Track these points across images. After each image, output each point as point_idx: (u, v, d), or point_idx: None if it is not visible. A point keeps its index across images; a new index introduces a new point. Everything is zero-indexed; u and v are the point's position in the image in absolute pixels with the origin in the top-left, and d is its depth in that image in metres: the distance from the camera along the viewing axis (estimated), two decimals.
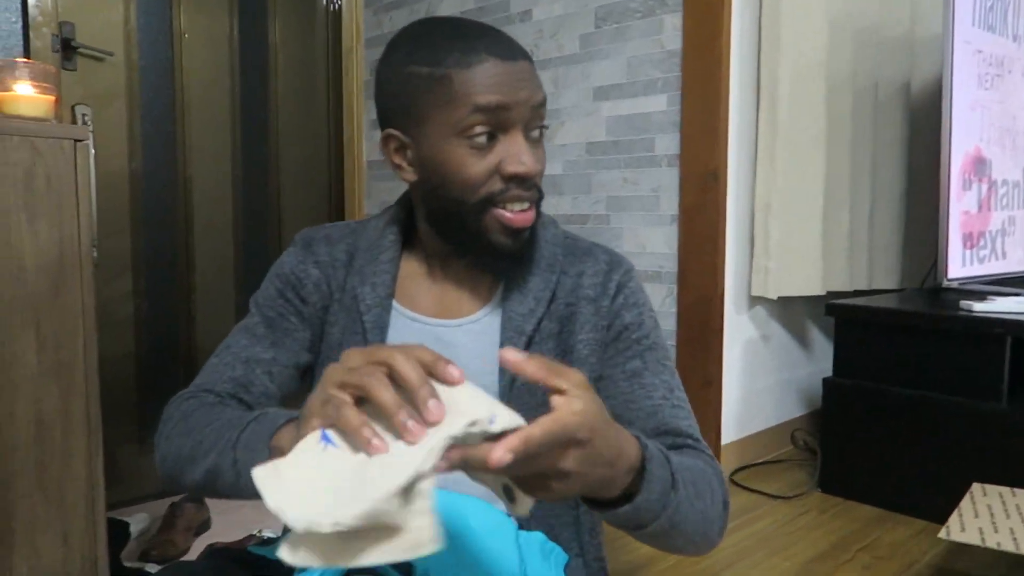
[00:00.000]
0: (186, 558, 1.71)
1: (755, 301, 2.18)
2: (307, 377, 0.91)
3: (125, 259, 2.14)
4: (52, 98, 1.28)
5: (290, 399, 0.88)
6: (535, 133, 0.79)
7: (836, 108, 2.22)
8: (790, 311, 2.34)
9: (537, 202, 0.81)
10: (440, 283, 0.86)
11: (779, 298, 2.17)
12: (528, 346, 0.83)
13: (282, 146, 2.52)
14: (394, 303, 0.86)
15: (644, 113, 2.09)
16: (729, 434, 2.10)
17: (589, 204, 2.22)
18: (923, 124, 2.51)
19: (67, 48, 2.00)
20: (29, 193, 1.23)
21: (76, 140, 1.28)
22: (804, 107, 2.10)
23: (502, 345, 0.82)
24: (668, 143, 2.05)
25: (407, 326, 0.85)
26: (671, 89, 2.03)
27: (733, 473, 2.10)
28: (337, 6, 2.66)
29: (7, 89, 1.23)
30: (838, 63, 2.21)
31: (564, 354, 0.84)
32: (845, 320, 2.02)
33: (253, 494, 0.63)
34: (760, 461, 2.22)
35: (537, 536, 0.81)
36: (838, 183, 2.26)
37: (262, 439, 0.67)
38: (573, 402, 0.51)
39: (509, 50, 0.76)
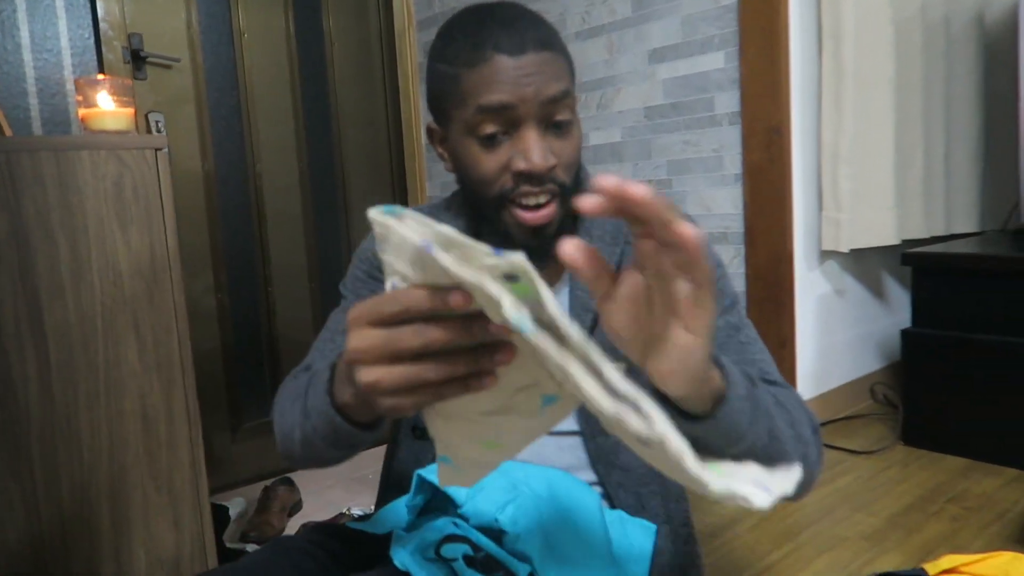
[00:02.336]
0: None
1: (827, 256, 2.14)
2: None
3: (205, 256, 2.25)
4: (131, 110, 1.36)
5: None
6: (558, 124, 0.77)
7: (905, 47, 2.14)
8: (864, 263, 2.29)
9: (560, 196, 0.79)
10: None
11: (852, 251, 2.12)
12: (596, 322, 0.84)
13: (344, 133, 2.58)
14: None
15: (702, 72, 2.05)
16: (806, 391, 2.08)
17: (650, 169, 2.20)
18: (1000, 57, 2.39)
19: (136, 58, 2.09)
20: (119, 203, 1.31)
21: (156, 149, 1.35)
22: (871, 49, 2.03)
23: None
24: (728, 101, 2.01)
25: None
26: (728, 45, 1.99)
27: None
28: None
29: (92, 105, 1.31)
30: None
31: None
32: (922, 268, 1.97)
33: (346, 446, 0.67)
34: (839, 417, 2.19)
35: (618, 513, 0.84)
36: (910, 126, 2.18)
37: (320, 395, 0.65)
38: None
39: (518, 44, 0.74)
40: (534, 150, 0.74)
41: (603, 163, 2.32)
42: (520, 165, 0.75)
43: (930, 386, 1.93)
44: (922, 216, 2.24)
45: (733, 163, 2.03)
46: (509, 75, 0.73)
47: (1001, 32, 2.39)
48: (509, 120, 0.75)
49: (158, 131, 2.14)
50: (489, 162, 0.77)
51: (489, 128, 0.75)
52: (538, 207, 0.77)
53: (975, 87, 2.40)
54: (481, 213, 0.83)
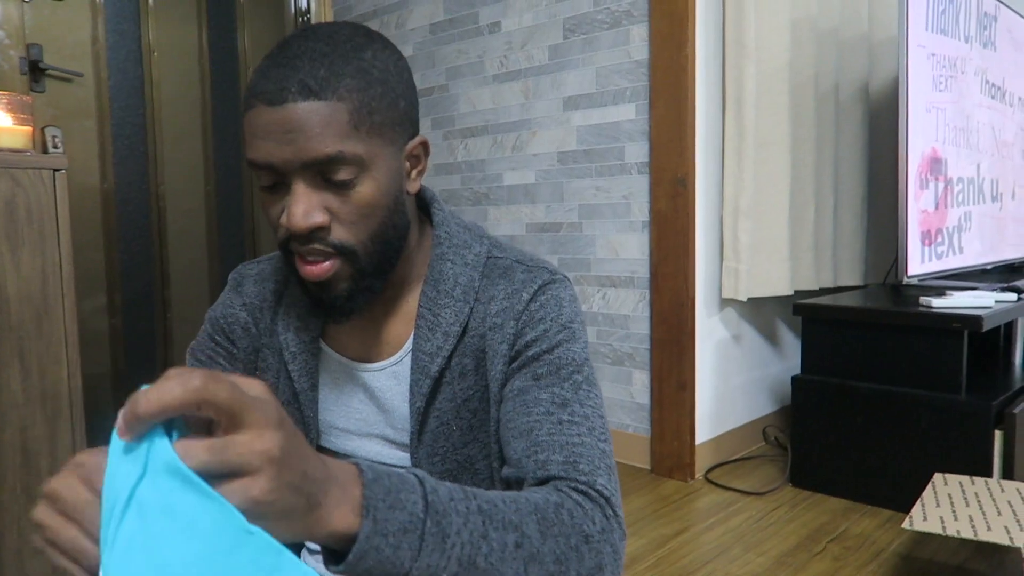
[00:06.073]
0: None
1: (726, 303, 2.24)
2: None
3: (99, 276, 2.14)
4: (29, 129, 1.29)
5: None
6: (336, 183, 0.65)
7: (800, 110, 2.29)
8: (760, 311, 2.41)
9: (341, 255, 0.67)
10: (364, 320, 0.78)
11: (749, 299, 2.23)
12: (437, 388, 0.75)
13: None
14: (323, 345, 0.80)
15: (614, 122, 2.13)
16: (703, 433, 2.16)
17: (563, 212, 2.26)
18: (882, 124, 2.60)
19: (35, 70, 1.99)
20: (11, 224, 1.24)
21: (55, 169, 1.29)
22: (769, 110, 2.16)
23: (411, 389, 0.75)
24: (637, 151, 2.10)
25: (335, 370, 0.80)
26: (639, 98, 2.08)
27: (708, 471, 2.16)
28: (306, 15, 2.66)
29: None
30: (801, 65, 2.28)
31: (484, 390, 0.75)
32: (812, 319, 2.09)
33: None
34: (734, 458, 2.28)
35: None
36: (803, 184, 2.33)
37: None
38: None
39: (279, 91, 0.62)
40: (293, 209, 0.65)
41: (517, 203, 2.36)
42: (283, 221, 0.66)
43: (816, 430, 2.05)
44: (813, 269, 2.39)
45: (641, 210, 2.11)
46: (266, 130, 0.63)
47: (884, 100, 2.60)
48: (277, 173, 0.65)
49: (55, 147, 2.03)
50: (269, 208, 0.69)
51: (263, 180, 0.67)
52: (315, 261, 0.67)
53: (860, 150, 2.59)
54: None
